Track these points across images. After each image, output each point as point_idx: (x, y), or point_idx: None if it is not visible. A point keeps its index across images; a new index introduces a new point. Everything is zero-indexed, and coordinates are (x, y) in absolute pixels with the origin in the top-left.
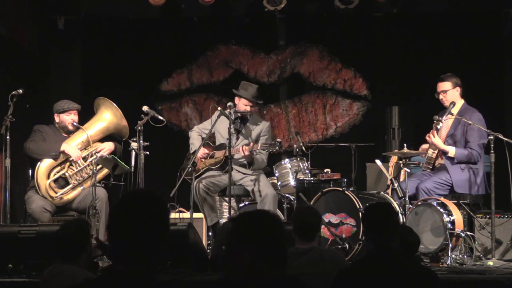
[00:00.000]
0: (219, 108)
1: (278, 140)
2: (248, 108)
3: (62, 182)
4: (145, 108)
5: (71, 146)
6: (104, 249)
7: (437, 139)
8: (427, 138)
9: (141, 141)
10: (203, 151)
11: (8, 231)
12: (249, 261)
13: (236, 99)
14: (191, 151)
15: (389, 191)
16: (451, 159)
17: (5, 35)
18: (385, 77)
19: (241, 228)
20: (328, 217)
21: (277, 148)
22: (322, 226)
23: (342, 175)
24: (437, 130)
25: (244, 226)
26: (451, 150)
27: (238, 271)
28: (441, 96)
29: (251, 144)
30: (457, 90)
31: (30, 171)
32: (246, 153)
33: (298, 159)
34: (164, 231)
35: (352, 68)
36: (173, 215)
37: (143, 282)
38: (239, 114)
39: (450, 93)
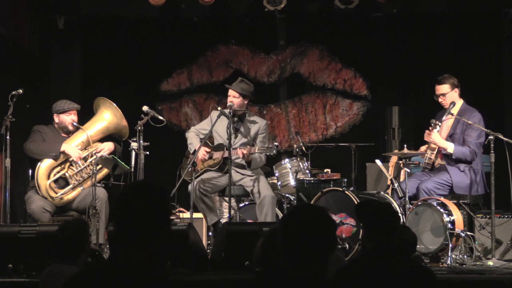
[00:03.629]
0: (219, 108)
1: (276, 143)
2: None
3: (62, 182)
4: (145, 108)
5: (71, 146)
6: (95, 258)
7: (435, 135)
8: (425, 136)
9: (141, 141)
10: (203, 152)
11: (8, 231)
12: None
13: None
14: (191, 152)
15: (389, 191)
16: (449, 158)
17: (5, 35)
18: (385, 77)
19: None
20: None
21: (274, 152)
22: None
23: (342, 175)
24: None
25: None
26: (450, 147)
27: (288, 267)
28: (440, 99)
29: (248, 147)
30: (456, 91)
31: (30, 171)
32: (244, 157)
33: (298, 159)
34: (162, 221)
35: (352, 68)
36: (173, 215)
37: (140, 273)
38: (234, 113)
39: (449, 95)
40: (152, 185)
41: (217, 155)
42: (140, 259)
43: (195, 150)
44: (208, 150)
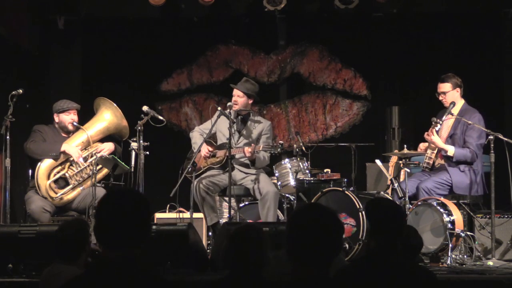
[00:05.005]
0: (219, 108)
1: (280, 142)
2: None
3: (62, 182)
4: (145, 108)
5: (72, 146)
6: (95, 258)
7: (436, 137)
8: (425, 136)
9: (141, 141)
10: (206, 149)
11: (8, 231)
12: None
13: None
14: (194, 151)
15: (389, 191)
16: (450, 159)
17: (5, 35)
18: (385, 77)
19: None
20: None
21: (278, 150)
22: None
23: (342, 175)
24: (437, 131)
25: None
26: (450, 149)
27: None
28: (441, 97)
29: (253, 145)
30: (457, 91)
31: (30, 171)
32: (248, 154)
33: (298, 159)
34: (145, 223)
35: (352, 68)
36: (173, 215)
37: (128, 269)
38: (238, 113)
39: (450, 94)
40: (130, 191)
41: (221, 153)
42: (126, 256)
43: (197, 150)
44: (211, 149)
